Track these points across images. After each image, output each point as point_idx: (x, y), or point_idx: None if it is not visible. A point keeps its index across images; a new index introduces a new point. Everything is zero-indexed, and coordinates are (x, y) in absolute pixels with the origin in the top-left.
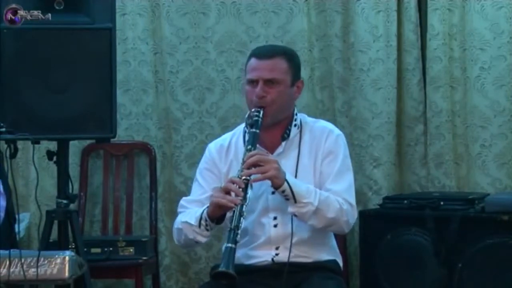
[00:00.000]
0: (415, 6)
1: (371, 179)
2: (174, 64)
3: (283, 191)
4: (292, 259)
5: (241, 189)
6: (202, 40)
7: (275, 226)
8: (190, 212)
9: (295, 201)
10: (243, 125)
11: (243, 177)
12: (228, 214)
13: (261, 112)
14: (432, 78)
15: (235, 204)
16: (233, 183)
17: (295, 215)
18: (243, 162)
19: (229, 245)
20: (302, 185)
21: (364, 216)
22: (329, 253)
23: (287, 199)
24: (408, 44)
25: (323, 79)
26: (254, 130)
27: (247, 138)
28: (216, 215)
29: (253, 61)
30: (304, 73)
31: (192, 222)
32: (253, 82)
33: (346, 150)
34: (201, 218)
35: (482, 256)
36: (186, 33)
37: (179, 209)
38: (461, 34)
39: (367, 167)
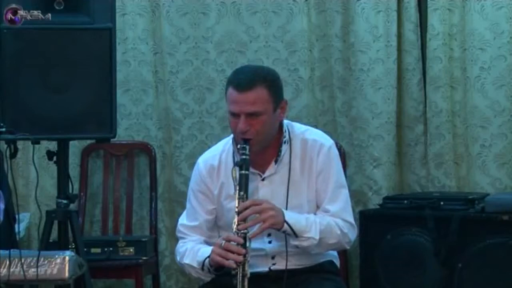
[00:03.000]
0: (415, 6)
1: (371, 179)
2: (174, 64)
3: (284, 231)
4: (290, 267)
5: (241, 247)
6: (202, 40)
7: (270, 242)
8: (191, 250)
9: (297, 236)
10: (231, 139)
11: (241, 232)
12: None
13: (247, 147)
14: (432, 78)
15: (238, 264)
16: (232, 241)
17: (297, 247)
18: (238, 212)
19: None
20: (301, 220)
21: (364, 216)
22: (326, 255)
23: (288, 235)
24: (408, 44)
25: (323, 79)
26: (243, 172)
27: (237, 180)
28: (218, 266)
29: (232, 92)
30: (304, 73)
31: (195, 265)
32: (234, 114)
33: (339, 163)
34: (203, 264)
35: (482, 256)
36: (186, 33)
37: (178, 234)
38: (461, 34)
39: (367, 167)
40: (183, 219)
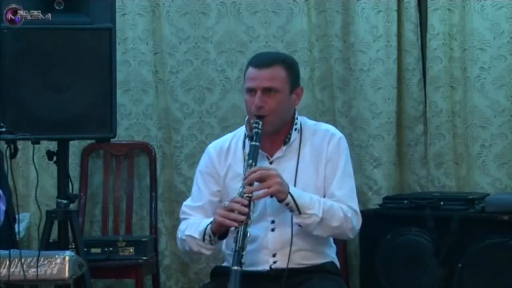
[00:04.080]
0: (415, 6)
1: (371, 179)
2: (174, 64)
3: (287, 204)
4: (291, 266)
5: (244, 207)
6: (202, 40)
7: (273, 230)
8: (194, 223)
9: (300, 213)
10: (243, 127)
11: (246, 194)
12: (232, 232)
13: (260, 123)
14: (432, 78)
15: (240, 222)
16: (237, 203)
17: (300, 226)
18: (245, 177)
19: (235, 267)
20: (305, 196)
21: (364, 216)
22: (327, 255)
23: (291, 211)
24: (408, 44)
25: (323, 79)
26: (254, 143)
27: (247, 151)
28: (220, 231)
29: (251, 70)
30: (304, 73)
31: (196, 236)
32: (251, 91)
33: (347, 154)
34: (204, 233)
35: (482, 256)
36: (186, 33)
37: (181, 215)
38: (461, 34)
39: (367, 167)
40: (187, 201)
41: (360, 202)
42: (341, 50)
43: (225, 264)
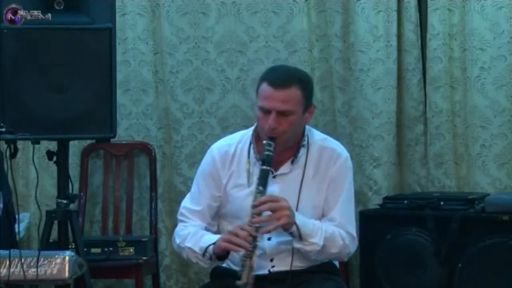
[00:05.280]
0: (415, 6)
1: (371, 179)
2: (174, 64)
3: (291, 232)
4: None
5: (251, 238)
6: (202, 40)
7: (269, 239)
8: (195, 234)
9: (301, 239)
10: (250, 132)
11: (254, 225)
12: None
13: (273, 145)
14: (432, 78)
15: (248, 251)
16: (244, 230)
17: (299, 251)
18: (254, 205)
19: None
20: (309, 223)
21: (364, 216)
22: None
23: (293, 236)
24: (408, 44)
25: (323, 79)
26: (265, 167)
27: (258, 175)
28: (222, 254)
29: (266, 88)
30: None
31: (197, 250)
32: (265, 111)
33: (351, 175)
34: (205, 251)
35: (482, 256)
36: (186, 33)
37: (179, 217)
38: (461, 34)
39: (367, 167)
40: (186, 202)
41: (360, 202)
42: (341, 50)
43: (225, 264)
